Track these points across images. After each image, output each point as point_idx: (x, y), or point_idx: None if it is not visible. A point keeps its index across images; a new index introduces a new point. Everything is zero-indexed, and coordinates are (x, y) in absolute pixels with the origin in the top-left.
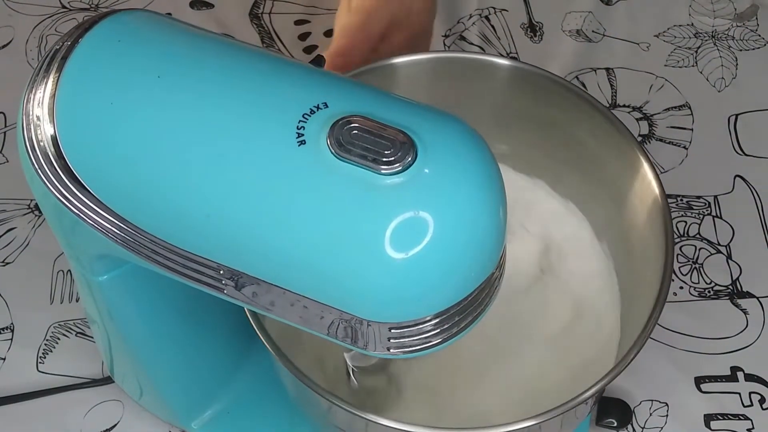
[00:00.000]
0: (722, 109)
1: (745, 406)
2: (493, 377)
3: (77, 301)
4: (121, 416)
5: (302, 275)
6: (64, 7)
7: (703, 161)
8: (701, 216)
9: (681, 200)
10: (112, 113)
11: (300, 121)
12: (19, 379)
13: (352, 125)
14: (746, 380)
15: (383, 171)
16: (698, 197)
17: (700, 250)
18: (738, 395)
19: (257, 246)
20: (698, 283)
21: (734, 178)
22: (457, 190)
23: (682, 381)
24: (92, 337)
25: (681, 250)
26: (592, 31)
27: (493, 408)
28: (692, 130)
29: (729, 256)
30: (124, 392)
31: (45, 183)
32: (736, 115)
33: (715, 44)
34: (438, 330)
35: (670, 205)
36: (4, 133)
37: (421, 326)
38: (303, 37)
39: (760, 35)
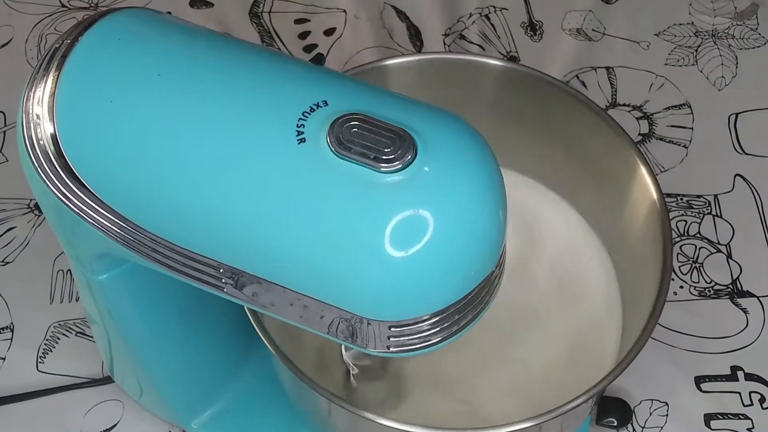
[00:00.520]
0: (722, 108)
1: (745, 406)
2: (494, 377)
3: (77, 300)
4: (121, 416)
5: (302, 274)
6: (63, 5)
7: (703, 160)
8: (701, 215)
9: (681, 199)
10: (112, 111)
11: (300, 119)
12: (19, 378)
13: (352, 123)
14: (746, 380)
15: (383, 169)
16: (698, 196)
17: (700, 249)
18: (738, 395)
19: (257, 244)
20: (698, 282)
21: (734, 177)
22: (457, 189)
23: (682, 380)
24: (92, 337)
25: (681, 250)
26: (592, 30)
27: (493, 409)
28: (692, 129)
29: (729, 256)
30: (124, 392)
31: (45, 181)
32: (736, 114)
33: (715, 43)
34: (438, 329)
35: (670, 204)
36: (4, 132)
37: (420, 325)
38: (303, 36)
39: (760, 34)
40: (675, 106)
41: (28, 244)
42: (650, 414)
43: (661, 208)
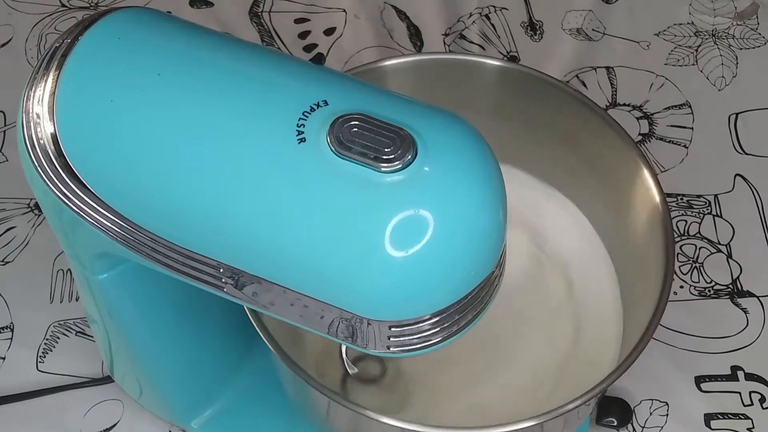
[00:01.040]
0: (722, 108)
1: (745, 406)
2: (494, 376)
3: (77, 300)
4: (121, 416)
5: (302, 273)
6: (63, 5)
7: (704, 160)
8: (701, 215)
9: (681, 199)
10: (112, 111)
11: (300, 118)
12: (18, 378)
13: (352, 123)
14: (746, 379)
15: (383, 169)
16: (698, 196)
17: (700, 249)
18: (738, 394)
19: (257, 244)
20: (698, 282)
21: (734, 177)
22: (457, 189)
23: (683, 380)
24: (92, 337)
25: (681, 250)
26: (593, 30)
27: (494, 408)
28: (692, 128)
29: (729, 255)
30: (124, 391)
31: (45, 181)
32: (737, 114)
33: (715, 43)
34: (438, 329)
35: (670, 204)
36: (4, 131)
37: (421, 325)
38: (303, 35)
39: (760, 34)
40: (675, 106)
41: (28, 243)
42: (650, 414)
43: (663, 210)
